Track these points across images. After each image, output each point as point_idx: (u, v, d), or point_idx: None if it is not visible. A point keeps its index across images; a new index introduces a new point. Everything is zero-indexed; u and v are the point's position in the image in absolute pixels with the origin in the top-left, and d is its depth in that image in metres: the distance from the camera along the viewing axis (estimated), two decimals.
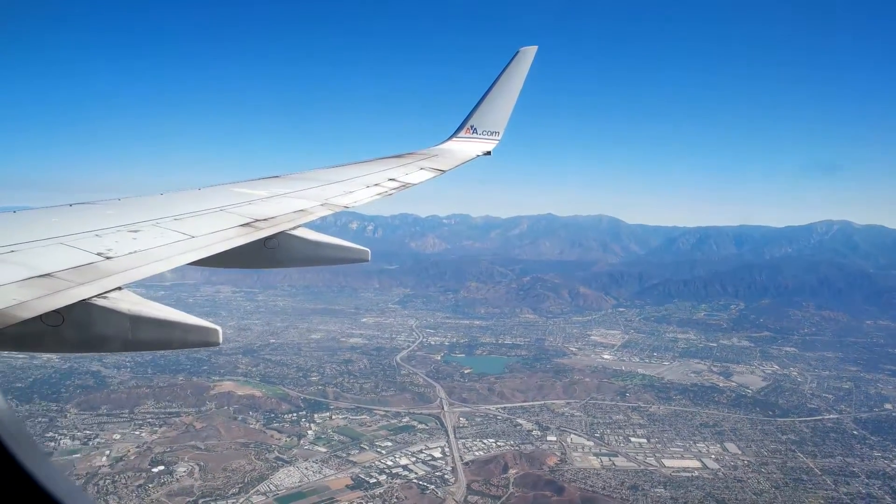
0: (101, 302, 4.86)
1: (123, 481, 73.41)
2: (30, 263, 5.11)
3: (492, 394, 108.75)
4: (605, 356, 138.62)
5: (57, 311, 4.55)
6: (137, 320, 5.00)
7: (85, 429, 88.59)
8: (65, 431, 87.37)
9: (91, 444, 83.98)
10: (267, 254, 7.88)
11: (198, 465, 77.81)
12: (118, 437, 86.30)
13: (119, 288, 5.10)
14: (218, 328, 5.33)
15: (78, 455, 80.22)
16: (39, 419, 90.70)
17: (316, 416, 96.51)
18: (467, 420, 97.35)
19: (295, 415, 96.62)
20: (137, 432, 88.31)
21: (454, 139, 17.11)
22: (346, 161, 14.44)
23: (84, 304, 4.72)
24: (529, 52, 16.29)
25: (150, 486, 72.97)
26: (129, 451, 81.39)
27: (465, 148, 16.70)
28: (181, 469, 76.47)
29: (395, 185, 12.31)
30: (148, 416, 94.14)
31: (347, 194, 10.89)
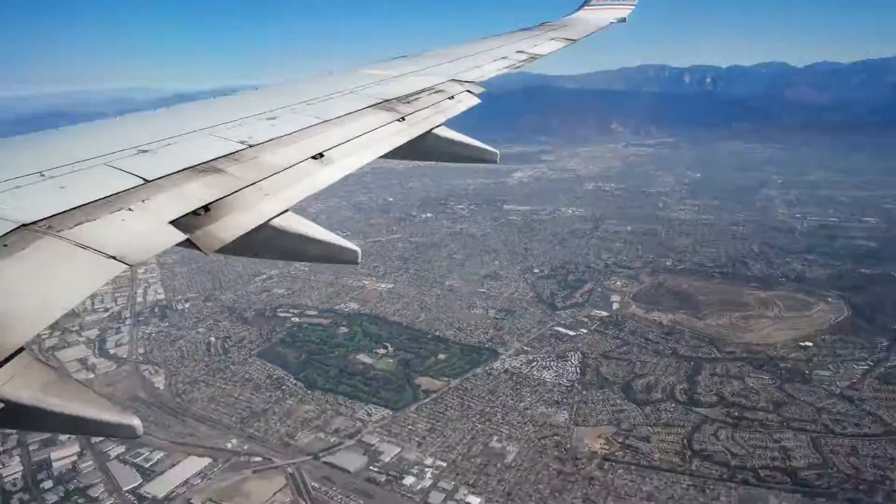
0: (275, 222, 5.40)
1: None
2: (187, 154, 5.91)
3: None
4: None
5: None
6: (298, 238, 5.55)
7: None
8: None
9: None
10: (408, 147, 8.20)
11: None
12: None
13: (286, 210, 5.60)
14: (357, 249, 5.81)
15: None
16: None
17: None
18: None
19: None
20: None
21: (586, 8, 17.19)
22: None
23: (263, 225, 5.31)
24: None
25: None
26: None
27: (598, 15, 16.60)
28: None
29: (523, 56, 12.77)
30: None
31: (475, 69, 11.39)
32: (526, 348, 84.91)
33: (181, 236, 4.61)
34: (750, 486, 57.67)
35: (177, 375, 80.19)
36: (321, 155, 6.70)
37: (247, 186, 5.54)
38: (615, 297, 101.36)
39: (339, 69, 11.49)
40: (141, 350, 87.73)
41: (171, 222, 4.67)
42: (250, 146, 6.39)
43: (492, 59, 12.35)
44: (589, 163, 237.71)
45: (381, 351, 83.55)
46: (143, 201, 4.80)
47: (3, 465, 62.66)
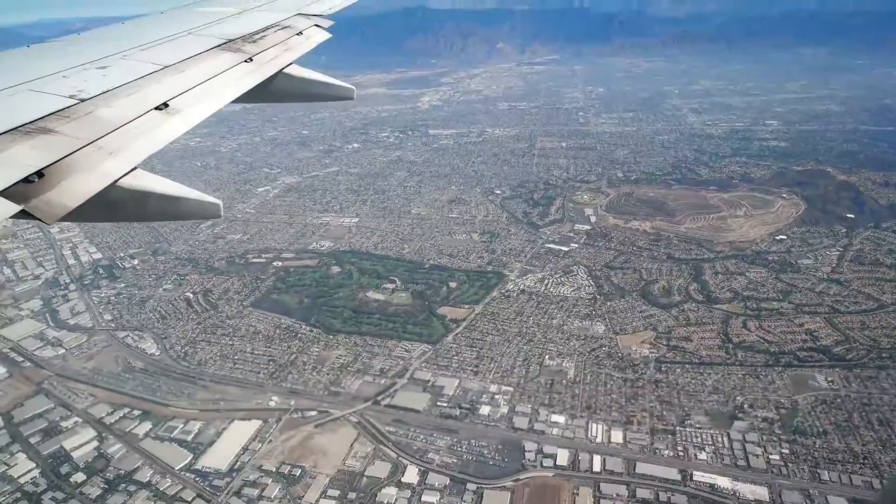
0: (123, 182, 5.00)
1: None
2: (6, 113, 5.13)
3: None
4: None
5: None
6: (152, 197, 5.24)
7: None
8: None
9: None
10: (259, 89, 7.76)
11: None
12: None
13: (134, 168, 5.18)
14: (219, 202, 5.64)
15: None
16: None
17: None
18: None
19: None
20: None
21: None
22: None
23: (111, 186, 4.84)
24: None
25: None
26: None
27: None
28: None
29: None
30: None
31: (322, 0, 10.92)
32: (528, 268, 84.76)
33: (14, 208, 4.04)
34: (795, 368, 62.44)
35: (168, 338, 71.83)
36: (166, 105, 6.11)
37: (85, 146, 4.97)
38: (588, 211, 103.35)
39: (170, 6, 10.68)
40: (108, 316, 77.38)
41: (0, 193, 4.09)
42: (82, 100, 5.72)
43: None
44: (490, 83, 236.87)
45: (389, 286, 79.78)
46: None
47: (9, 465, 53.59)
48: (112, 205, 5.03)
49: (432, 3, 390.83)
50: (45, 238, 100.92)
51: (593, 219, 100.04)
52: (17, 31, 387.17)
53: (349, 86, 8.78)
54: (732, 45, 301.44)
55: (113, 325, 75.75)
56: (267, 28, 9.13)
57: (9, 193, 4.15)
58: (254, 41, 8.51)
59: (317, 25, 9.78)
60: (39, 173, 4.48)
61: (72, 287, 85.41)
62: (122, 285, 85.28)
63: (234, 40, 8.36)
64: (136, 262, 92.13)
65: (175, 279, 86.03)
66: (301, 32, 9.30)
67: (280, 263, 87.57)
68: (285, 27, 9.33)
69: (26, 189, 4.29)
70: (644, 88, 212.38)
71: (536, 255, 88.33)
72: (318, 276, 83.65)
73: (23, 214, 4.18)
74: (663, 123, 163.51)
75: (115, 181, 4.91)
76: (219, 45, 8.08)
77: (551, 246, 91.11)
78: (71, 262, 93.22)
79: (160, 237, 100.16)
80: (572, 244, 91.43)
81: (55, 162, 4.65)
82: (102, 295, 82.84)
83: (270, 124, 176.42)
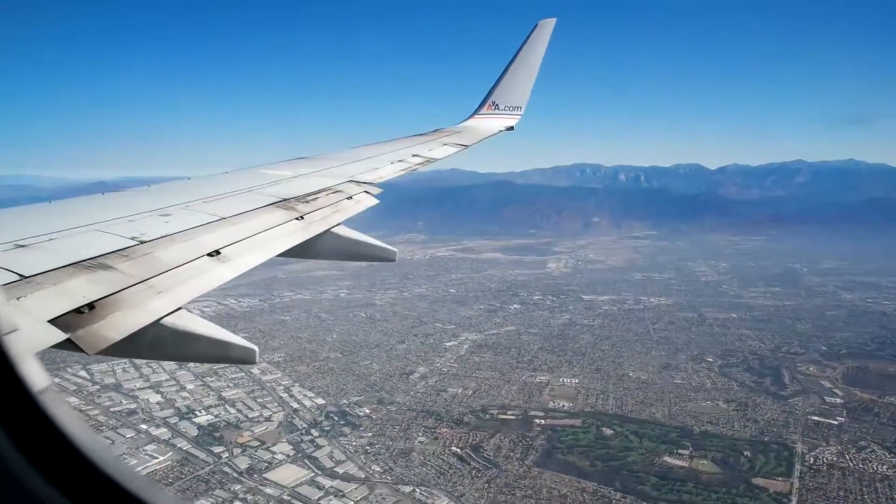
0: (167, 321, 5.19)
1: None
2: (72, 249, 5.54)
3: None
4: None
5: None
6: (192, 338, 5.35)
7: None
8: None
9: None
10: (307, 245, 8.25)
11: None
12: None
13: (179, 308, 5.38)
14: (255, 348, 5.70)
15: None
16: None
17: None
18: None
19: None
20: None
21: (476, 116, 18.11)
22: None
23: (155, 324, 5.07)
24: (548, 25, 16.79)
25: None
26: None
27: (488, 124, 17.70)
28: None
29: (418, 160, 13.57)
30: None
31: (373, 171, 11.94)
32: (811, 440, 79.77)
33: (60, 336, 4.21)
34: None
35: (463, 497, 67.15)
36: (218, 252, 6.54)
37: (137, 283, 5.31)
38: (826, 383, 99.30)
39: (234, 168, 11.63)
40: (377, 468, 73.36)
41: (51, 321, 4.29)
42: (142, 242, 6.23)
43: (388, 162, 12.82)
44: (607, 254, 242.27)
45: (683, 452, 75.10)
46: (18, 299, 4.39)
47: None
48: (154, 342, 5.16)
49: (517, 178, 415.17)
50: (249, 377, 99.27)
51: (839, 392, 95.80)
52: (100, 183, 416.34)
53: (392, 248, 9.24)
54: (827, 226, 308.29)
55: (388, 478, 71.51)
56: (320, 191, 9.93)
57: (58, 322, 4.29)
58: (306, 202, 9.20)
59: (366, 192, 10.54)
60: (91, 305, 4.68)
61: (314, 433, 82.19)
62: (370, 434, 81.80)
63: (288, 199, 9.09)
64: (366, 410, 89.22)
65: (424, 431, 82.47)
66: (351, 197, 10.06)
67: (543, 422, 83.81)
68: (337, 191, 10.14)
69: (76, 319, 4.47)
70: (768, 265, 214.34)
71: (808, 427, 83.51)
72: (591, 437, 79.43)
73: (66, 343, 4.25)
74: (821, 299, 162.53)
75: (160, 319, 5.10)
76: (273, 203, 8.76)
77: (815, 418, 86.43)
78: (293, 405, 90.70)
79: (373, 386, 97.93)
80: (837, 417, 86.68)
81: (107, 296, 4.88)
82: (353, 444, 79.32)
83: (410, 281, 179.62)
